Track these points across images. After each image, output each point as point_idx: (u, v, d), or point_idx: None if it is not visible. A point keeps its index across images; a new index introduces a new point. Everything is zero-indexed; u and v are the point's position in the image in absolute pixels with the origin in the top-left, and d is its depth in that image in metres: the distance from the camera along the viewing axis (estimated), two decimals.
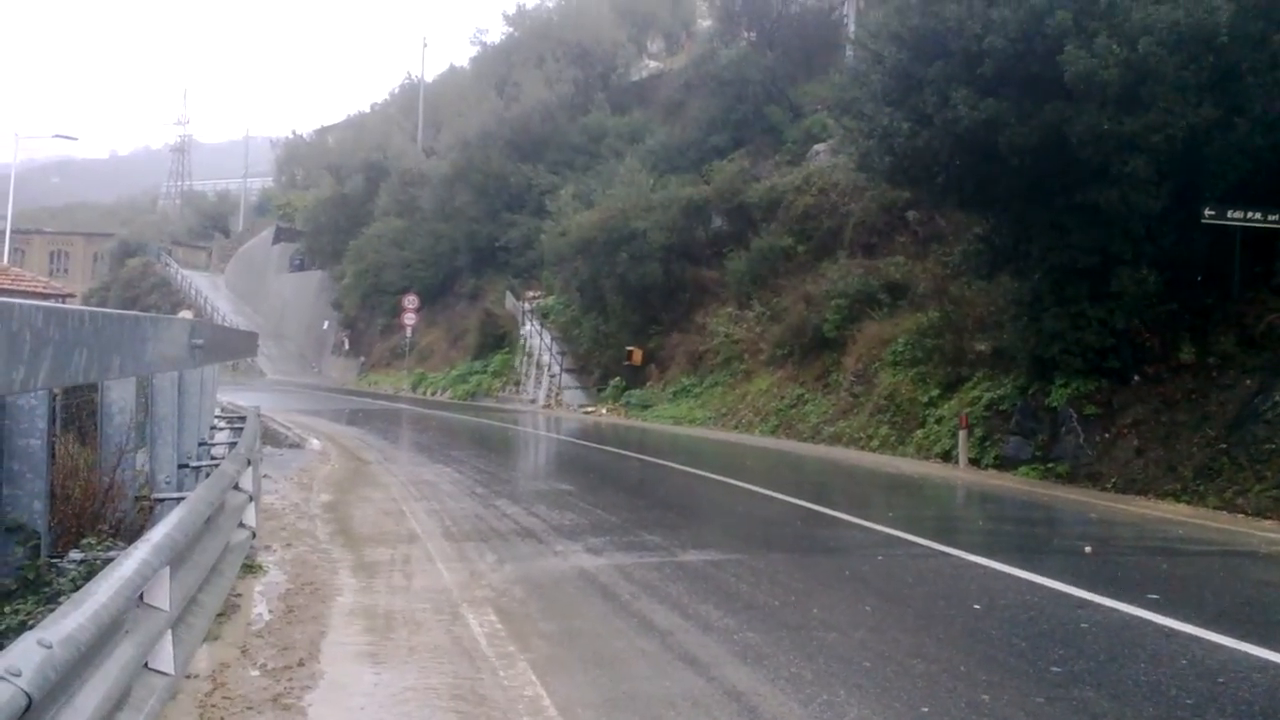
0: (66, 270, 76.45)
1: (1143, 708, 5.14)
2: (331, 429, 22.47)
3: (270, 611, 6.86)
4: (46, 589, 4.62)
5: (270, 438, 18.36)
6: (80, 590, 3.27)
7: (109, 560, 4.13)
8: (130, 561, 3.69)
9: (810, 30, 35.60)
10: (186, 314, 45.07)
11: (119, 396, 6.40)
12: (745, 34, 37.13)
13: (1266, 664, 5.94)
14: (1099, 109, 12.96)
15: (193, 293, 64.92)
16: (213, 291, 66.17)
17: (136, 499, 6.71)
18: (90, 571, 4.45)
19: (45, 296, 27.82)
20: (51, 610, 3.71)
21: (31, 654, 2.54)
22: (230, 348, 10.78)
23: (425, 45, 56.24)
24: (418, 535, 9.88)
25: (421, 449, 19.34)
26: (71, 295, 41.32)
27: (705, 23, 42.46)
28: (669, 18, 45.97)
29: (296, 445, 18.88)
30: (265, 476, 12.16)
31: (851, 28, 28.61)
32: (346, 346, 50.86)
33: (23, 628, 4.05)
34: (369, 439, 20.66)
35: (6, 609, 4.45)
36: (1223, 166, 13.45)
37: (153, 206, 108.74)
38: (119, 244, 76.81)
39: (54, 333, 2.75)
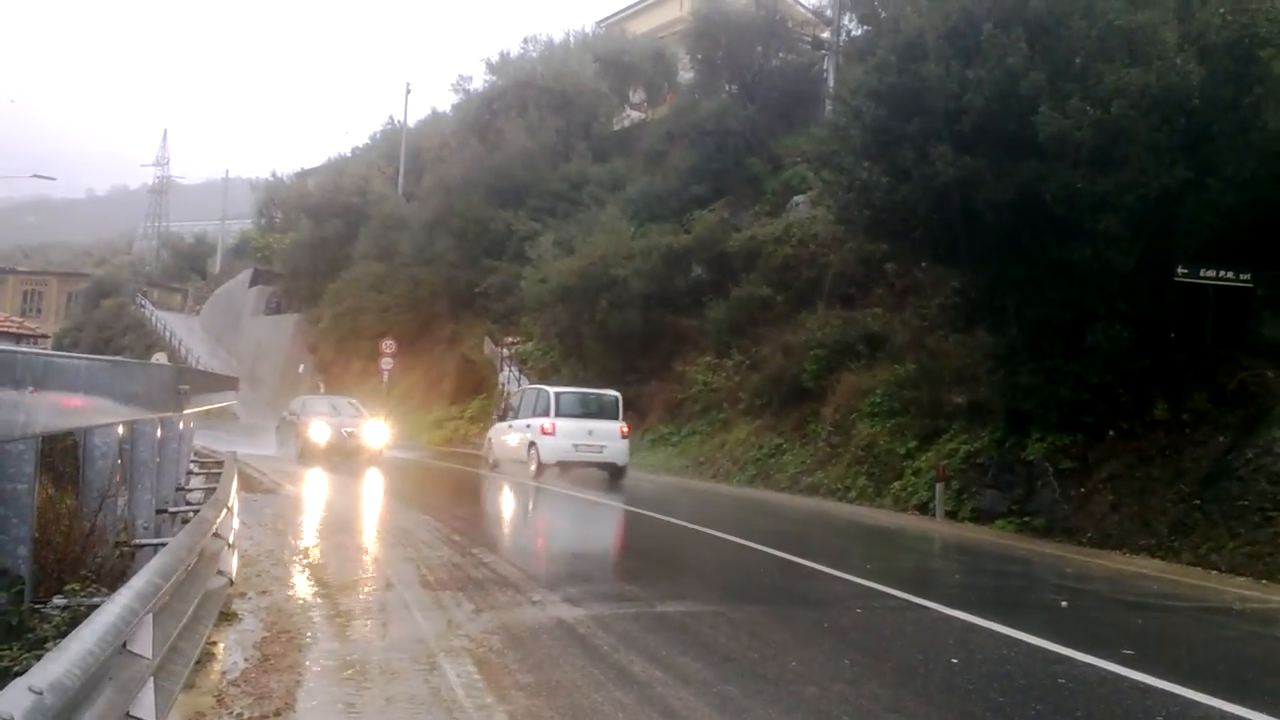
0: (39, 310, 75.98)
1: None
2: (306, 474, 22.30)
3: (246, 660, 6.79)
4: (30, 635, 4.58)
5: (244, 482, 18.19)
6: (68, 637, 3.26)
7: (93, 606, 4.10)
8: (115, 608, 3.68)
9: (790, 84, 36.14)
10: (160, 357, 44.84)
11: (102, 441, 6.38)
12: (727, 86, 37.65)
13: None
14: (1073, 168, 13.21)
15: (167, 335, 64.50)
16: (187, 334, 65.75)
17: (116, 544, 6.67)
18: (74, 617, 4.42)
19: (18, 337, 27.66)
20: (37, 656, 3.70)
21: (22, 700, 2.54)
22: (213, 392, 10.76)
23: (408, 91, 56.82)
24: (394, 583, 9.80)
25: (398, 495, 19.22)
26: (45, 336, 41.08)
27: (687, 75, 42.98)
28: (651, 69, 46.50)
29: (271, 491, 18.73)
30: (241, 523, 12.06)
31: (831, 83, 29.08)
32: (321, 391, 50.59)
33: (7, 674, 4.02)
34: (344, 485, 20.51)
35: None
36: (1195, 226, 13.70)
37: (129, 247, 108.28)
38: (93, 284, 76.41)
39: (53, 380, 2.77)
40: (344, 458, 23.83)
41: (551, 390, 22.52)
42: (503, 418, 24.51)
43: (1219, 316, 14.48)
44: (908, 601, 9.43)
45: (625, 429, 21.95)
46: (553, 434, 21.36)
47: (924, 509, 17.02)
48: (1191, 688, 6.55)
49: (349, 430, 24.65)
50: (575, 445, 21.32)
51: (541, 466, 21.41)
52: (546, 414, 21.72)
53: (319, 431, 24.38)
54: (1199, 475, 13.40)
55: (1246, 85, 13.25)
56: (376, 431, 25.31)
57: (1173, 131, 13.12)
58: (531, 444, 21.82)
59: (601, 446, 21.38)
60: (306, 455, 23.88)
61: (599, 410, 22.02)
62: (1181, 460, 13.82)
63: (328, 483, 20.74)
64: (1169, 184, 13.08)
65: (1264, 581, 11.36)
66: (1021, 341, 15.46)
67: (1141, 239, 13.66)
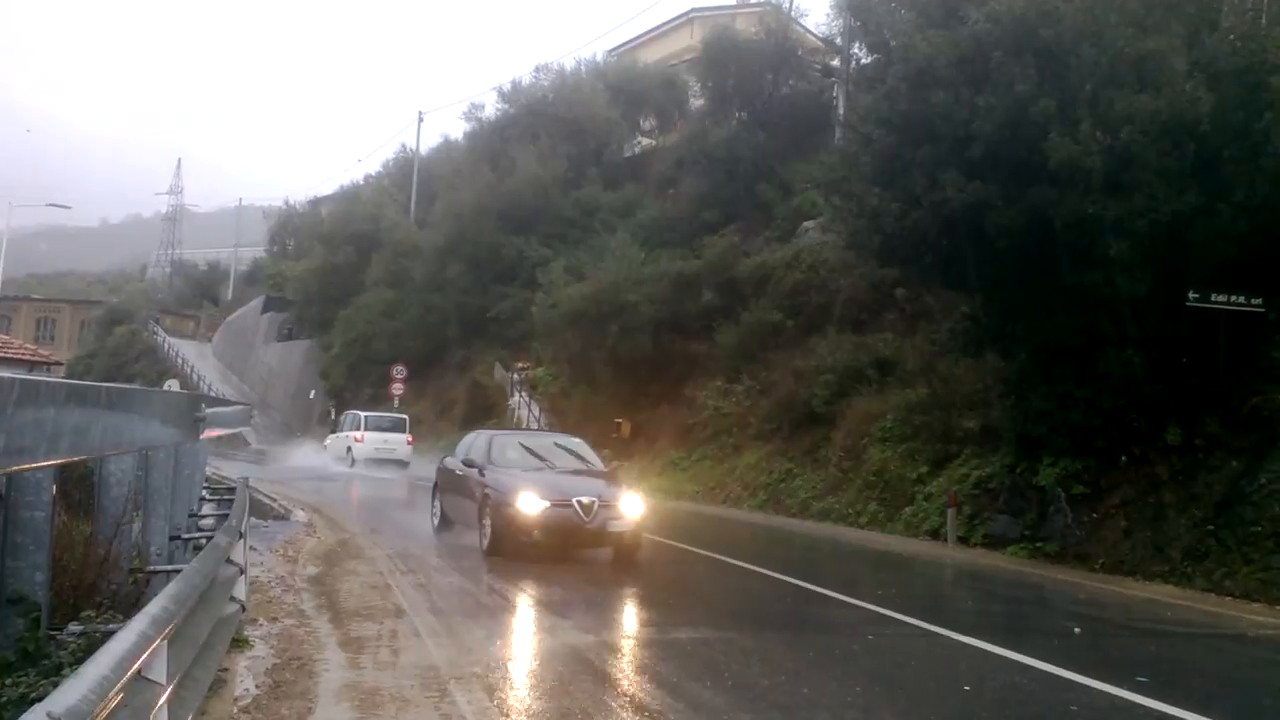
0: (53, 337, 76.43)
1: None
2: (316, 500, 22.33)
3: (257, 687, 6.80)
4: (46, 661, 4.61)
5: (255, 509, 18.23)
6: (84, 663, 3.28)
7: (108, 633, 4.12)
8: (130, 635, 3.70)
9: (800, 111, 36.25)
10: (173, 384, 45.02)
11: (117, 468, 6.42)
12: (737, 114, 37.79)
13: None
14: (1083, 194, 13.23)
15: (179, 361, 64.78)
16: (200, 360, 66.02)
17: (130, 571, 6.70)
18: (89, 644, 4.45)
19: (32, 364, 27.77)
20: (54, 683, 3.72)
21: None
22: (228, 420, 10.82)
23: (421, 119, 57.09)
24: (404, 610, 9.80)
25: (408, 522, 19.21)
26: (58, 363, 41.23)
27: (698, 102, 43.16)
28: (662, 96, 46.70)
29: (281, 517, 18.75)
30: (251, 549, 12.08)
31: (841, 110, 29.19)
32: (332, 416, 50.68)
33: (23, 700, 4.04)
34: (354, 511, 20.55)
35: (8, 681, 4.43)
36: (1206, 251, 13.69)
37: (142, 275, 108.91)
38: (107, 312, 76.86)
39: (75, 409, 2.81)
40: (575, 546, 13.35)
41: (362, 414, 34.96)
42: (333, 430, 36.88)
43: (1231, 341, 14.44)
44: (920, 628, 9.40)
45: (410, 439, 33.99)
46: (362, 441, 33.12)
47: (936, 534, 16.96)
48: (1206, 715, 6.52)
49: (589, 501, 12.92)
50: (376, 448, 32.91)
51: (354, 460, 32.54)
52: (359, 428, 33.69)
53: (530, 504, 12.89)
54: (1212, 501, 13.34)
55: (1256, 111, 13.27)
56: (632, 504, 13.37)
57: (1183, 157, 13.14)
58: (349, 447, 33.38)
59: (393, 449, 33.21)
60: (506, 542, 12.93)
61: (392, 426, 34.31)
62: (1194, 486, 13.76)
63: (337, 508, 20.75)
64: (1180, 209, 13.08)
65: (1278, 608, 11.29)
66: (1032, 366, 15.44)
67: (1153, 264, 13.66)
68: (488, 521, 13.18)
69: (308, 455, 37.60)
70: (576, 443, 15.79)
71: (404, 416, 35.59)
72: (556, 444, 15.46)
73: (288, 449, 41.07)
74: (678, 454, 27.65)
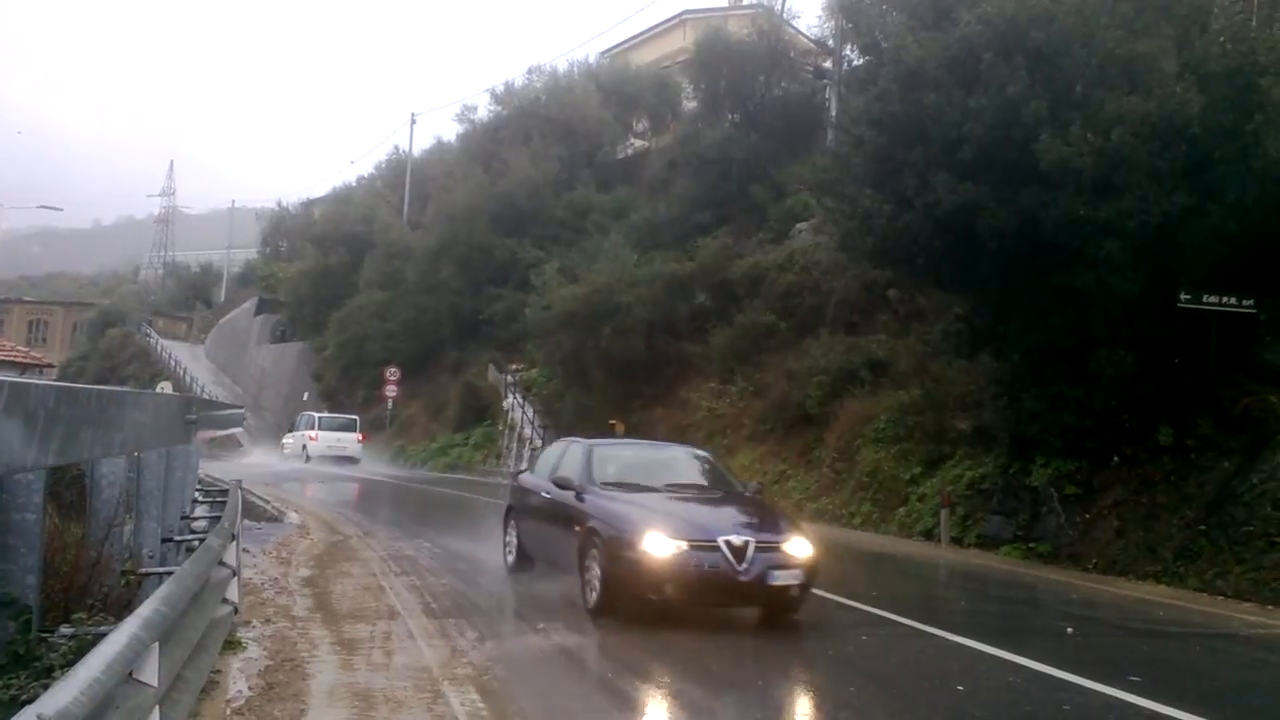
0: (45, 340, 76.18)
1: None
2: (309, 502, 22.32)
3: (250, 688, 6.79)
4: (37, 663, 4.60)
5: (248, 510, 18.21)
6: (75, 665, 3.28)
7: (99, 635, 4.12)
8: (122, 637, 3.70)
9: (793, 113, 36.25)
10: (165, 386, 44.87)
11: (109, 470, 6.42)
12: (729, 115, 37.78)
13: None
14: (1074, 195, 13.25)
15: (172, 363, 64.64)
16: (192, 362, 65.87)
17: (122, 573, 6.69)
18: (80, 646, 4.44)
19: (24, 366, 27.68)
20: (44, 685, 3.71)
21: None
22: (220, 422, 10.80)
23: (413, 121, 56.94)
24: (398, 611, 9.80)
25: (401, 523, 19.21)
26: (50, 365, 41.13)
27: (690, 104, 43.13)
28: (654, 98, 46.68)
29: (275, 519, 18.73)
30: (244, 550, 12.07)
31: (833, 112, 29.19)
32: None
33: (14, 702, 4.03)
34: (348, 512, 20.52)
35: None
36: (1197, 252, 13.73)
37: (134, 277, 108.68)
38: (99, 314, 76.66)
39: (65, 412, 2.81)
40: (723, 605, 9.76)
41: (316, 415, 39.73)
42: (292, 429, 39.78)
43: (1222, 342, 14.49)
44: (914, 628, 9.42)
45: (360, 437, 38.33)
46: (316, 439, 37.31)
47: (929, 535, 16.98)
48: (1199, 714, 6.54)
49: (742, 543, 9.14)
50: (329, 445, 36.88)
51: (309, 457, 36.14)
52: (313, 428, 37.94)
53: (658, 545, 9.14)
54: (1204, 501, 13.38)
55: (1246, 112, 13.31)
56: (800, 546, 9.44)
57: (1173, 159, 13.16)
58: (305, 445, 37.33)
59: (345, 446, 37.26)
60: (624, 598, 9.34)
61: (343, 426, 38.53)
62: (1186, 486, 13.80)
63: (331, 509, 20.73)
64: (1170, 211, 13.11)
65: (1270, 607, 11.32)
66: (1025, 367, 15.47)
67: (1144, 265, 13.69)
68: (596, 569, 9.41)
69: (265, 453, 40.58)
70: (704, 456, 12.16)
71: (354, 417, 39.76)
72: (677, 457, 12.09)
73: (261, 448, 43.48)
74: None
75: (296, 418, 41.40)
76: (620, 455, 11.56)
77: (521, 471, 13.06)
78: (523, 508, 12.06)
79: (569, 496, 10.37)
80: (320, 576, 11.98)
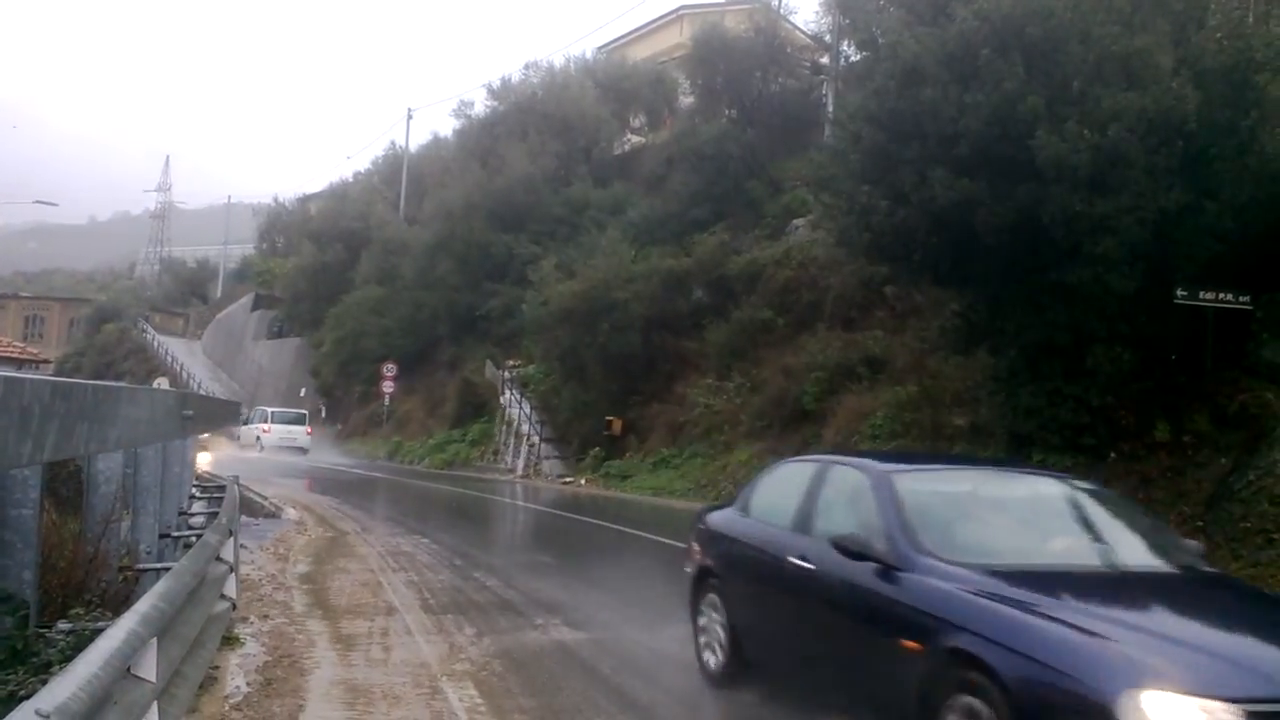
0: (41, 335, 76.10)
1: None
2: (308, 498, 22.32)
3: (248, 684, 6.80)
4: (35, 659, 4.60)
5: (246, 506, 18.22)
6: (73, 661, 3.28)
7: (97, 631, 4.13)
8: (120, 632, 3.71)
9: (790, 109, 36.27)
10: (162, 381, 44.87)
11: (106, 466, 6.41)
12: (726, 111, 37.78)
13: None
14: (1071, 191, 13.25)
15: (169, 359, 64.62)
16: (189, 358, 65.87)
17: (120, 569, 6.69)
18: (78, 642, 4.44)
19: (20, 362, 27.69)
20: (42, 681, 3.71)
21: None
22: (216, 417, 10.79)
23: (410, 116, 56.93)
24: (395, 607, 9.82)
25: (399, 519, 19.23)
26: (47, 361, 41.12)
27: (687, 99, 43.12)
28: (651, 94, 46.66)
29: (272, 515, 18.74)
30: (242, 546, 12.08)
31: (830, 108, 29.20)
32: (323, 414, 50.62)
33: (12, 698, 4.03)
34: (345, 509, 20.52)
35: None
36: (1193, 248, 13.72)
37: (131, 272, 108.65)
38: (95, 310, 76.63)
39: (59, 407, 2.81)
40: None
41: (269, 409, 43.96)
42: (246, 423, 41.58)
43: (1219, 338, 14.49)
44: None
45: (309, 430, 42.59)
46: (269, 432, 41.11)
47: None
48: None
49: None
50: (280, 438, 40.81)
51: (262, 447, 39.24)
52: (266, 421, 41.84)
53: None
54: (1201, 497, 13.39)
55: (1243, 109, 13.30)
56: None
57: (1170, 155, 13.15)
58: (258, 436, 40.59)
59: (295, 438, 41.29)
60: None
61: (294, 420, 42.98)
62: (1183, 482, 13.81)
63: (328, 506, 20.74)
64: (1167, 207, 13.11)
65: None
66: (1022, 363, 15.46)
67: (1141, 262, 13.69)
68: None
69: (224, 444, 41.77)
70: (1094, 489, 6.58)
71: (304, 411, 44.96)
72: (1051, 495, 6.39)
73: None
74: (669, 451, 27.64)
75: (250, 412, 43.58)
76: (955, 497, 6.36)
77: (715, 509, 8.41)
78: (739, 574, 7.24)
79: (863, 573, 5.53)
80: (318, 572, 12.00)
